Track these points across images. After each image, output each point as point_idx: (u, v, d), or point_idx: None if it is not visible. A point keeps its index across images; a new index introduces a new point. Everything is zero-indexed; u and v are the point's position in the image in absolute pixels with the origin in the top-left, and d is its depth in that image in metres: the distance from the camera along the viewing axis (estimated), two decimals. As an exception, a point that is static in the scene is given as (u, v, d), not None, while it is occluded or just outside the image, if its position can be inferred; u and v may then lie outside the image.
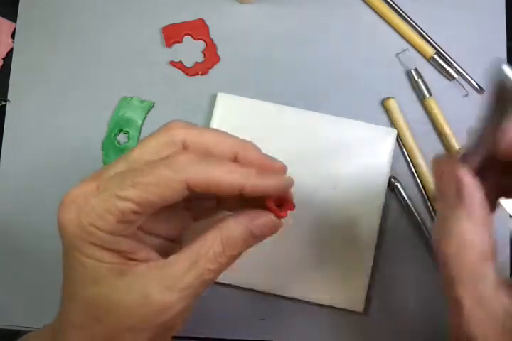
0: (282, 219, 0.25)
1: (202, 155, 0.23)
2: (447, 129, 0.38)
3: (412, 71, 0.39)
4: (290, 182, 0.25)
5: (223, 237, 0.24)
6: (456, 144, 0.38)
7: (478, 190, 0.23)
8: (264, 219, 0.25)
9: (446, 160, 0.25)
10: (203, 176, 0.22)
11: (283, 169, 0.26)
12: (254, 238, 0.25)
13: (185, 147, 0.24)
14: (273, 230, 0.25)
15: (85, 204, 0.22)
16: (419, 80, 0.39)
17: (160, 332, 0.23)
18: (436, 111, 0.39)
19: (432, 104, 0.39)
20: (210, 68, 0.39)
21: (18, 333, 0.36)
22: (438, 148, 0.39)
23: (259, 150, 0.26)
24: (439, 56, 0.40)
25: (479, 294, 0.22)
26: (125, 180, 0.22)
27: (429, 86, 0.39)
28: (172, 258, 0.24)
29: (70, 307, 0.24)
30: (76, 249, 0.22)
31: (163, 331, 0.24)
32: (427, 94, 0.39)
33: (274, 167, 0.25)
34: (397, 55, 0.40)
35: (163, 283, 0.23)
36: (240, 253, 0.25)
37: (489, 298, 0.22)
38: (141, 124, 0.39)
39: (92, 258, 0.22)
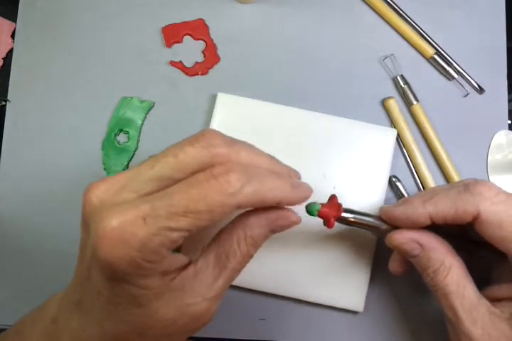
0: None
1: (246, 174, 0.22)
2: (433, 137, 0.38)
3: (398, 77, 0.39)
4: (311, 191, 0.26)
5: (247, 238, 0.24)
6: (442, 151, 0.38)
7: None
8: (287, 220, 0.25)
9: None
10: (253, 198, 0.22)
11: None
12: (272, 234, 0.25)
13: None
14: (292, 227, 0.26)
15: (134, 240, 0.20)
16: (406, 87, 0.38)
17: (195, 332, 0.25)
18: (422, 118, 0.38)
19: (418, 110, 0.38)
20: (210, 68, 0.39)
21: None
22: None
23: (281, 162, 0.26)
24: (439, 56, 0.40)
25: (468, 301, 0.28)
26: (174, 209, 0.20)
27: (428, 87, 0.39)
28: (201, 263, 0.24)
29: (108, 325, 0.23)
30: (126, 281, 0.22)
31: (197, 330, 0.25)
32: (414, 101, 0.38)
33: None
34: (382, 60, 0.40)
35: (198, 294, 0.23)
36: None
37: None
38: (141, 124, 0.39)
39: (140, 287, 0.22)
